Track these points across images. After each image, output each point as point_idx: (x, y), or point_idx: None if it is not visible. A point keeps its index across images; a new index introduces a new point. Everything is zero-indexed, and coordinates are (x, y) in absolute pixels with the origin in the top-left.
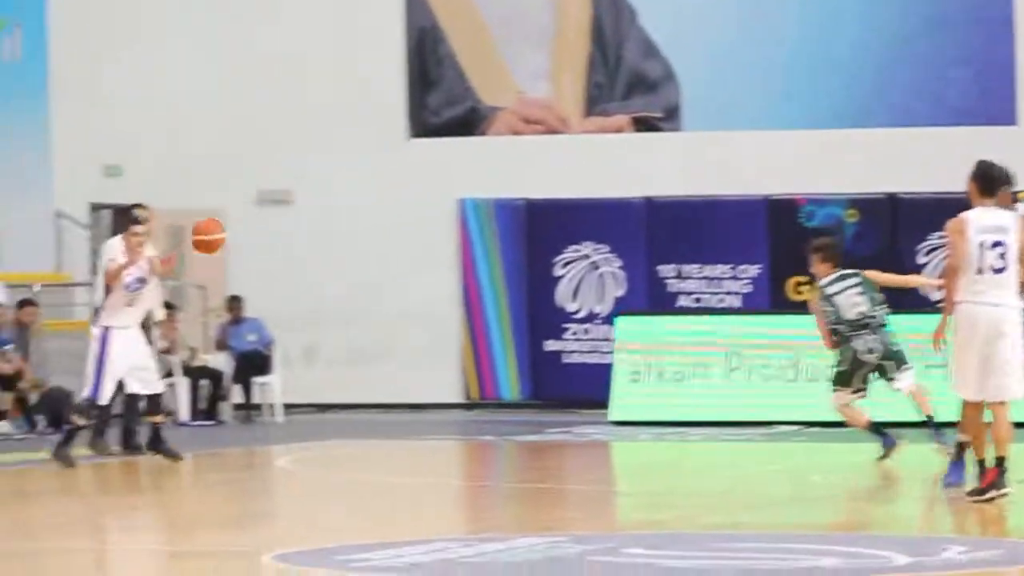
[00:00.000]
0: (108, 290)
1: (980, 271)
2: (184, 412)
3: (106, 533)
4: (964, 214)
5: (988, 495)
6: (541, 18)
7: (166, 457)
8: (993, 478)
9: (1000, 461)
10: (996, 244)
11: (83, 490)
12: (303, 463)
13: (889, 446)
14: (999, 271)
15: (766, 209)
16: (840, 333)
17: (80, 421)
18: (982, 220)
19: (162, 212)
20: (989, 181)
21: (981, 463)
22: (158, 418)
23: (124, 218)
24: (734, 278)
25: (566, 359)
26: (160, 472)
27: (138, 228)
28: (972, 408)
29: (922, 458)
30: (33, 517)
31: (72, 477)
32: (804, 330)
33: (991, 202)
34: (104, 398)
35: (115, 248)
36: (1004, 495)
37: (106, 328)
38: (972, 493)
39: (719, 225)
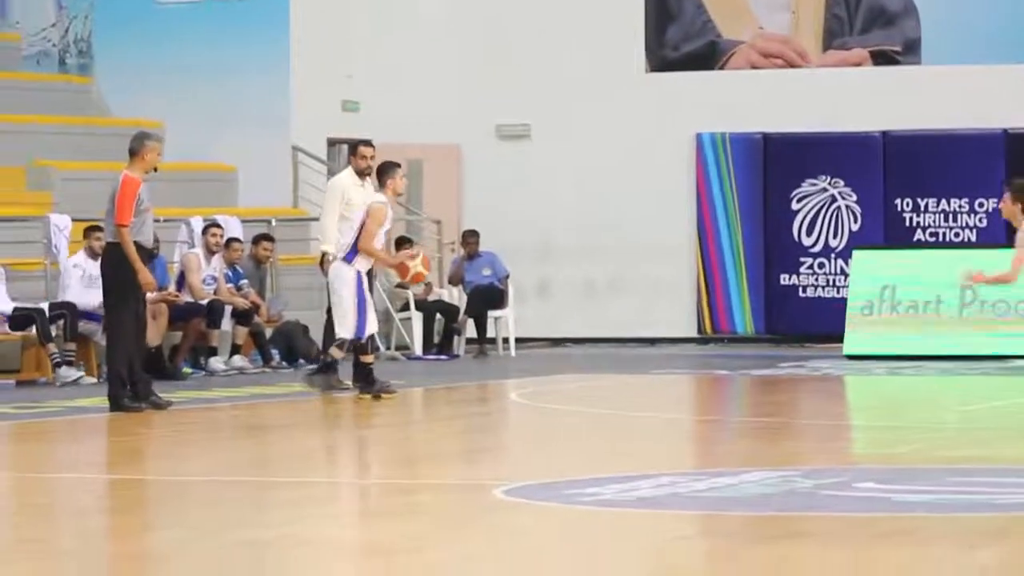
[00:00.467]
0: (360, 232)
1: None
2: (418, 346)
3: (339, 468)
4: None
5: None
6: None
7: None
8: None
9: None
10: None
11: (317, 424)
12: (536, 397)
13: None
14: None
15: (1004, 142)
16: None
17: (338, 355)
18: None
19: (399, 147)
20: None
21: None
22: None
23: (352, 154)
24: (971, 212)
25: (801, 293)
26: (395, 407)
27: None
28: None
29: None
30: (268, 451)
31: (307, 411)
32: None
33: None
34: (366, 334)
35: (342, 183)
36: None
37: (358, 272)
38: None
39: (956, 159)
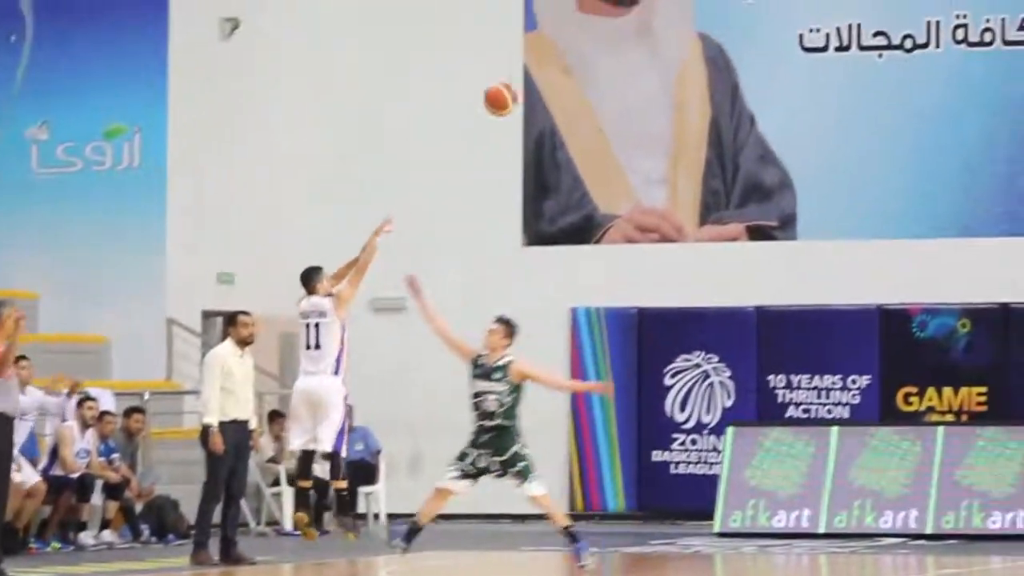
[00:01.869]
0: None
1: None
2: (288, 522)
3: None
4: None
5: None
6: (659, 123)
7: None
8: None
9: None
10: None
11: None
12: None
13: None
14: None
15: (879, 319)
16: None
17: (343, 485)
18: None
19: (273, 319)
20: None
21: None
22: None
23: (231, 325)
24: (844, 388)
25: (673, 469)
26: None
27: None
28: None
29: None
30: None
31: None
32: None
33: None
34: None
35: (221, 355)
36: None
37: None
38: None
39: (830, 335)
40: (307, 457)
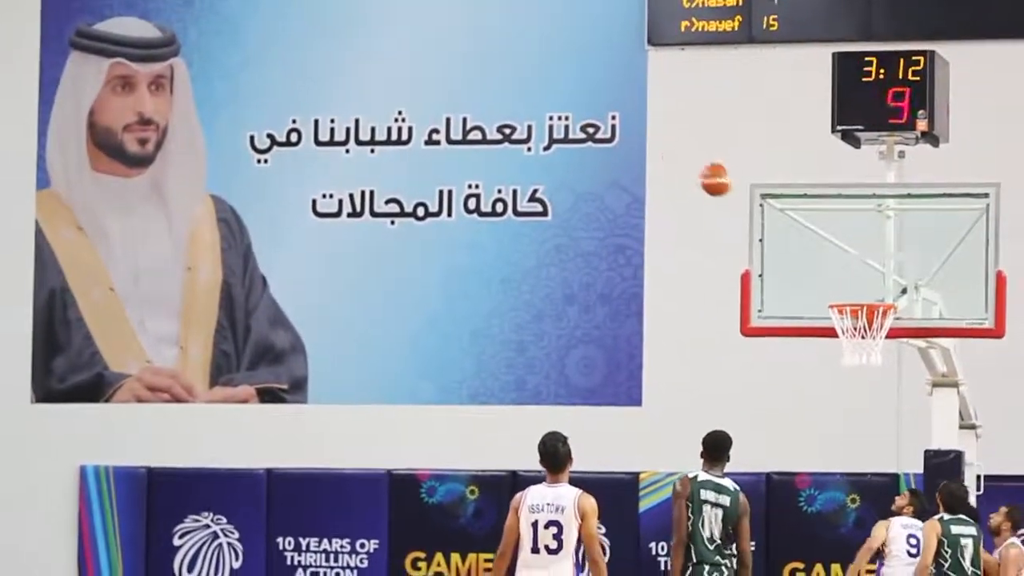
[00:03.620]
0: None
1: None
2: None
3: None
4: None
5: None
6: (171, 282)
7: None
8: None
9: None
10: None
11: None
12: None
13: None
14: None
15: (388, 483)
16: None
17: None
18: None
19: None
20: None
21: None
22: None
23: None
24: (353, 552)
25: None
26: None
27: None
28: None
29: None
30: None
31: None
32: None
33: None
34: None
35: None
36: None
37: None
38: None
39: (340, 498)
40: None
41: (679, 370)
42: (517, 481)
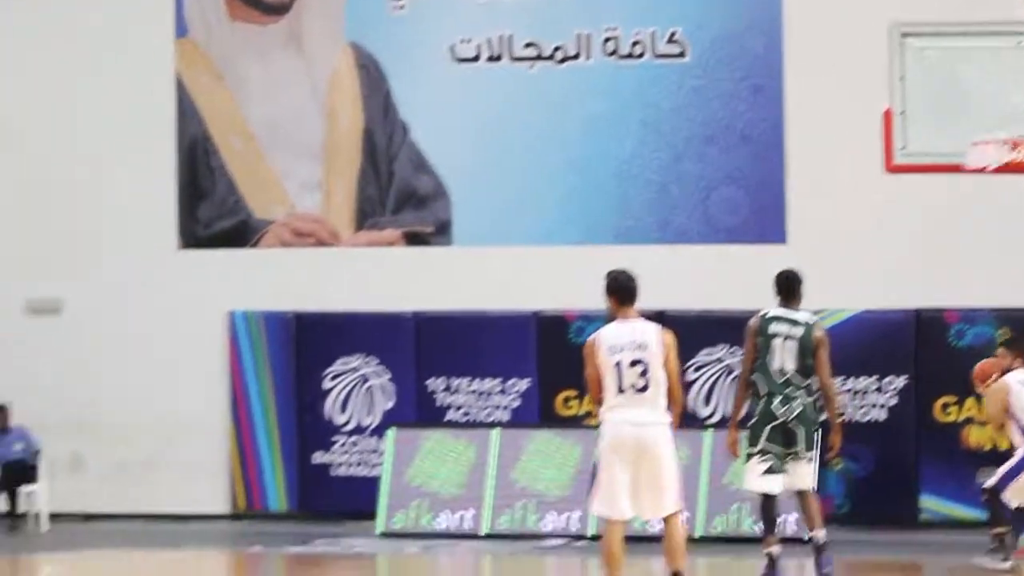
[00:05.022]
0: None
1: None
2: None
3: None
4: None
5: None
6: (312, 129)
7: None
8: None
9: None
10: None
11: None
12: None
13: None
14: None
15: (535, 324)
16: None
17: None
18: None
19: None
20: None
21: None
22: None
23: None
24: (503, 392)
25: (334, 471)
26: None
27: None
28: None
29: None
30: None
31: None
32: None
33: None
34: None
35: None
36: None
37: None
38: None
39: (488, 339)
40: None
41: (823, 207)
42: (664, 320)
